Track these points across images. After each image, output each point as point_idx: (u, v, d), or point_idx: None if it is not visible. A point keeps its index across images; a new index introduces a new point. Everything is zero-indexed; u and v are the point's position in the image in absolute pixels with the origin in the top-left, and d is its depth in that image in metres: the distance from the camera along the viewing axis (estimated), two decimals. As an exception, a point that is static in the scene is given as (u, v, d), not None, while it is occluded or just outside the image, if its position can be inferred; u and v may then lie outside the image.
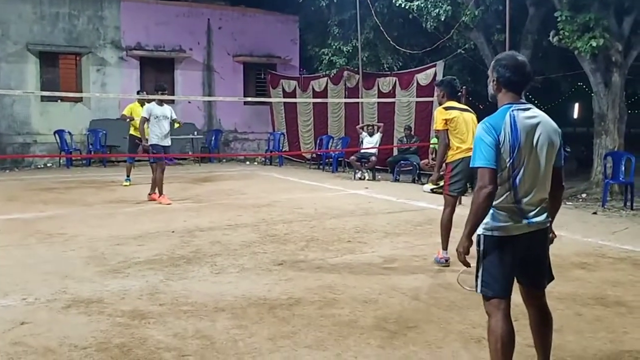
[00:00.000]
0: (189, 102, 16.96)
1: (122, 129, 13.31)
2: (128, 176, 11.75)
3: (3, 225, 7.59)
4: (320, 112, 16.46)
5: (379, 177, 13.52)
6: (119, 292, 4.85)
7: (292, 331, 4.06)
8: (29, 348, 3.71)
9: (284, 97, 17.37)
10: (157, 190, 9.62)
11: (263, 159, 17.71)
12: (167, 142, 9.63)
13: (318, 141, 16.08)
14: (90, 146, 15.85)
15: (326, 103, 15.80)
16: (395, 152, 13.82)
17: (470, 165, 3.01)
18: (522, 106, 2.98)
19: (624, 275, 5.58)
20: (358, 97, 14.54)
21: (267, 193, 10.90)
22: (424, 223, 8.03)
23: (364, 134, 13.70)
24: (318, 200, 10.01)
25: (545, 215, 3.02)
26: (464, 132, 5.77)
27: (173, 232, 7.30)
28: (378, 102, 14.39)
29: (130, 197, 10.17)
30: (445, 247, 5.78)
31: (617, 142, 10.85)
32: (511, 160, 2.91)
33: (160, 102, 9.61)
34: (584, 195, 10.71)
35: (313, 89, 16.64)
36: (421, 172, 12.80)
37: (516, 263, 2.99)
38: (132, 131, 11.56)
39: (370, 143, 13.45)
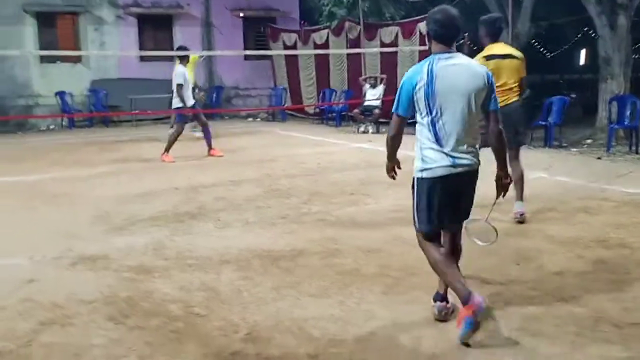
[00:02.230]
0: (189, 59, 16.72)
1: (123, 88, 13.23)
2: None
3: (8, 188, 7.64)
4: (322, 65, 16.21)
5: (383, 129, 13.42)
6: (125, 249, 4.90)
7: (296, 281, 4.11)
8: (38, 304, 3.77)
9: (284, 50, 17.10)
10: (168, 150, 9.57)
11: (266, 115, 17.61)
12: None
13: (321, 95, 15.92)
14: (92, 107, 15.77)
15: (328, 56, 15.55)
16: (398, 104, 13.67)
17: (392, 111, 3.26)
18: (446, 55, 3.15)
19: (627, 217, 5.58)
20: (360, 49, 14.32)
21: (270, 149, 10.87)
22: (427, 173, 8.01)
23: (367, 85, 13.53)
24: (321, 155, 9.98)
25: (470, 157, 3.19)
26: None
27: (177, 189, 7.32)
28: (381, 53, 14.14)
29: (133, 156, 10.18)
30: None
31: (622, 87, 10.70)
32: (429, 106, 3.11)
33: (185, 65, 9.74)
34: (588, 141, 10.64)
35: (314, 41, 16.35)
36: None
37: (445, 202, 3.21)
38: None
39: (373, 95, 13.30)
